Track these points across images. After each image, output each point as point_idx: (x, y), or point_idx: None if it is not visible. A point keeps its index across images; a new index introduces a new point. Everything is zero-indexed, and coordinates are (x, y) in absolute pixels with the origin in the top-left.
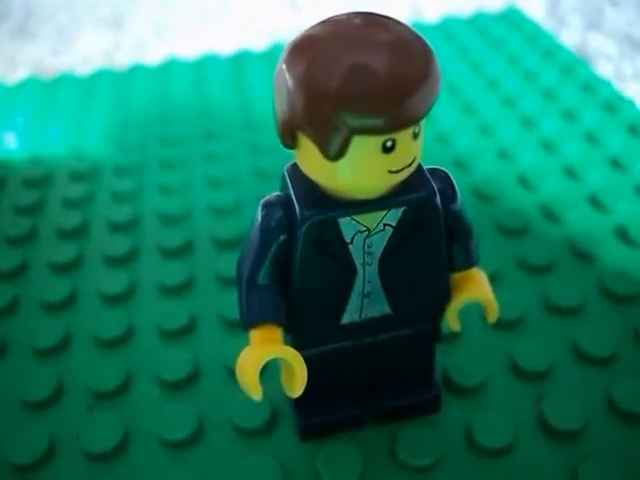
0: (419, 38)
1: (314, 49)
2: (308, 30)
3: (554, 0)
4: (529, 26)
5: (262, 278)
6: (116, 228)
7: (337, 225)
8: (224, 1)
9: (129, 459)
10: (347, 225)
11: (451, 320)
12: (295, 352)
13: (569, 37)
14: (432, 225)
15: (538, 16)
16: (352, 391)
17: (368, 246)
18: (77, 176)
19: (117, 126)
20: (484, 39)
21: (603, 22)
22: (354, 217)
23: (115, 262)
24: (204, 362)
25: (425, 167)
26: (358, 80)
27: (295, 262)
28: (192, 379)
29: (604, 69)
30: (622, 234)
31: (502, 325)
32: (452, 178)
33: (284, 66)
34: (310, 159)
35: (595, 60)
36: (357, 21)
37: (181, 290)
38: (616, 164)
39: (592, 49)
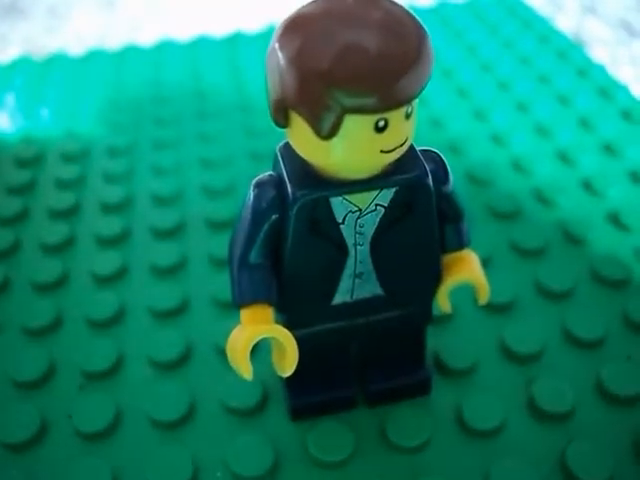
0: (413, 18)
1: (306, 28)
2: (301, 9)
3: None
4: (525, 11)
5: (254, 257)
6: (108, 209)
7: (329, 205)
8: None
9: (121, 438)
10: (339, 205)
11: (442, 301)
12: (286, 331)
13: (565, 22)
14: (424, 206)
15: (535, 1)
16: (343, 372)
17: (360, 226)
18: (69, 157)
19: (110, 107)
20: (480, 23)
21: (599, 7)
22: (346, 197)
23: (107, 243)
24: (196, 343)
25: (418, 148)
26: (351, 59)
27: (287, 242)
28: (184, 360)
29: (599, 54)
30: (614, 219)
31: (493, 308)
32: (444, 159)
33: (276, 45)
34: (302, 138)
35: (591, 45)
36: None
37: (173, 271)
38: (609, 149)
39: (588, 34)
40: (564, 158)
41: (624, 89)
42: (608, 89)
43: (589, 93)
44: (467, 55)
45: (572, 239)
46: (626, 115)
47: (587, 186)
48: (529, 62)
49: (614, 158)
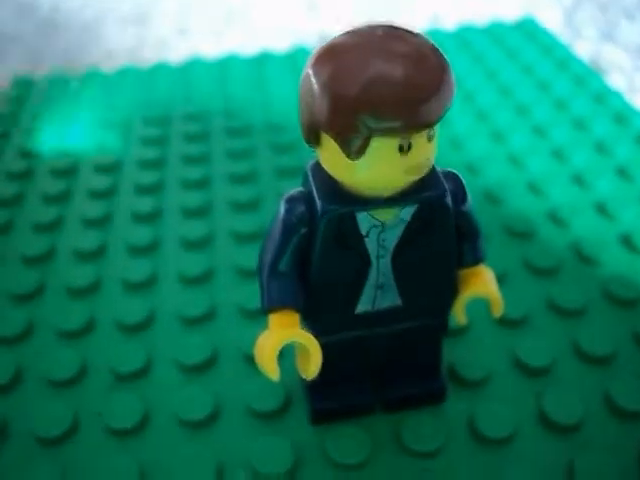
0: (435, 49)
1: (339, 57)
2: (334, 39)
3: (570, 11)
4: (544, 36)
5: (283, 266)
6: (139, 219)
7: (354, 219)
8: (246, 1)
9: (148, 436)
10: (364, 220)
11: (458, 314)
12: (311, 336)
13: (584, 48)
14: (442, 223)
15: (554, 26)
16: (362, 379)
17: (382, 240)
18: (102, 168)
19: (140, 122)
20: (499, 48)
21: (617, 34)
22: (370, 212)
23: (138, 251)
24: (222, 348)
25: (438, 169)
26: (378, 86)
27: (314, 253)
28: (210, 364)
29: (616, 81)
30: (627, 241)
31: (507, 323)
32: (463, 180)
33: (310, 71)
34: (332, 157)
35: (608, 72)
36: (378, 32)
37: (201, 280)
38: (623, 173)
39: (606, 61)
40: (579, 181)
41: (639, 115)
42: (624, 115)
43: (605, 118)
44: (487, 79)
45: (585, 259)
46: None
47: (601, 208)
48: (547, 87)
49: (628, 182)
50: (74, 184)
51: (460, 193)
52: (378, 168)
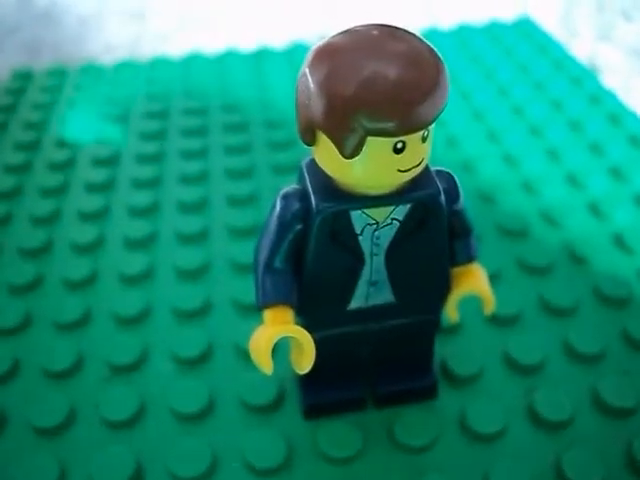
0: (431, 50)
1: (335, 57)
2: (330, 38)
3: (567, 11)
4: (541, 36)
5: (278, 263)
6: (136, 212)
7: (349, 217)
8: None
9: (144, 428)
10: (358, 218)
11: (450, 311)
12: (305, 331)
13: (580, 48)
14: (436, 221)
15: (550, 26)
16: (355, 375)
17: (376, 238)
18: (100, 161)
19: (139, 116)
20: (497, 47)
21: (614, 35)
22: (365, 211)
23: (135, 244)
24: (217, 342)
25: (432, 168)
26: (374, 87)
27: (309, 250)
28: (205, 357)
29: (612, 81)
30: (619, 241)
31: (499, 321)
32: (456, 179)
33: (307, 70)
34: (327, 156)
35: (604, 72)
36: (375, 32)
37: (197, 274)
38: (617, 174)
39: (602, 61)
40: (573, 181)
41: (633, 115)
42: (618, 115)
43: (600, 119)
44: (484, 78)
45: (577, 259)
46: (634, 140)
47: (594, 208)
48: (543, 87)
49: (621, 182)
50: (72, 177)
51: (453, 192)
52: (373, 167)
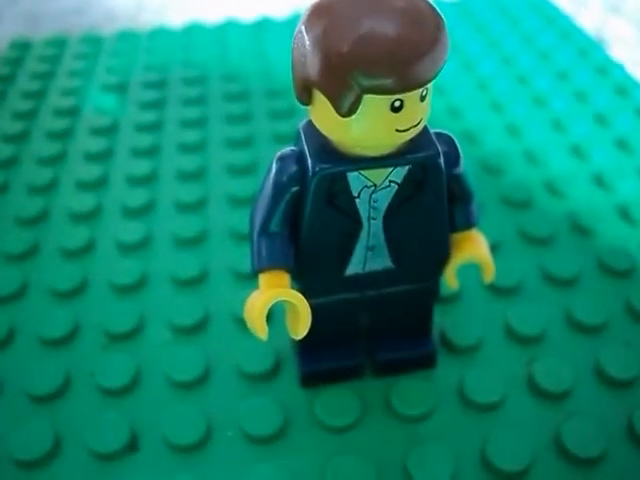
0: (431, 6)
1: (332, 13)
2: None
3: None
4: (548, 7)
5: (273, 226)
6: (135, 181)
7: (346, 179)
8: None
9: (139, 396)
10: (355, 180)
11: (450, 278)
12: (300, 295)
13: (588, 20)
14: (434, 185)
15: None
16: (353, 342)
17: (374, 201)
18: (98, 131)
19: (138, 85)
20: (503, 17)
21: (623, 7)
22: (362, 172)
23: (132, 213)
24: (214, 310)
25: (432, 131)
26: (371, 43)
27: (305, 213)
28: (202, 325)
29: (619, 53)
30: (623, 212)
31: (500, 290)
32: (456, 142)
33: (303, 27)
34: (324, 115)
35: (611, 44)
36: None
37: (195, 242)
38: (622, 145)
39: (609, 33)
40: (577, 152)
41: None
42: (625, 87)
43: (606, 90)
44: (488, 48)
45: (580, 230)
46: None
47: (598, 180)
48: (549, 58)
49: (627, 153)
50: (70, 146)
51: (453, 155)
52: (370, 126)
